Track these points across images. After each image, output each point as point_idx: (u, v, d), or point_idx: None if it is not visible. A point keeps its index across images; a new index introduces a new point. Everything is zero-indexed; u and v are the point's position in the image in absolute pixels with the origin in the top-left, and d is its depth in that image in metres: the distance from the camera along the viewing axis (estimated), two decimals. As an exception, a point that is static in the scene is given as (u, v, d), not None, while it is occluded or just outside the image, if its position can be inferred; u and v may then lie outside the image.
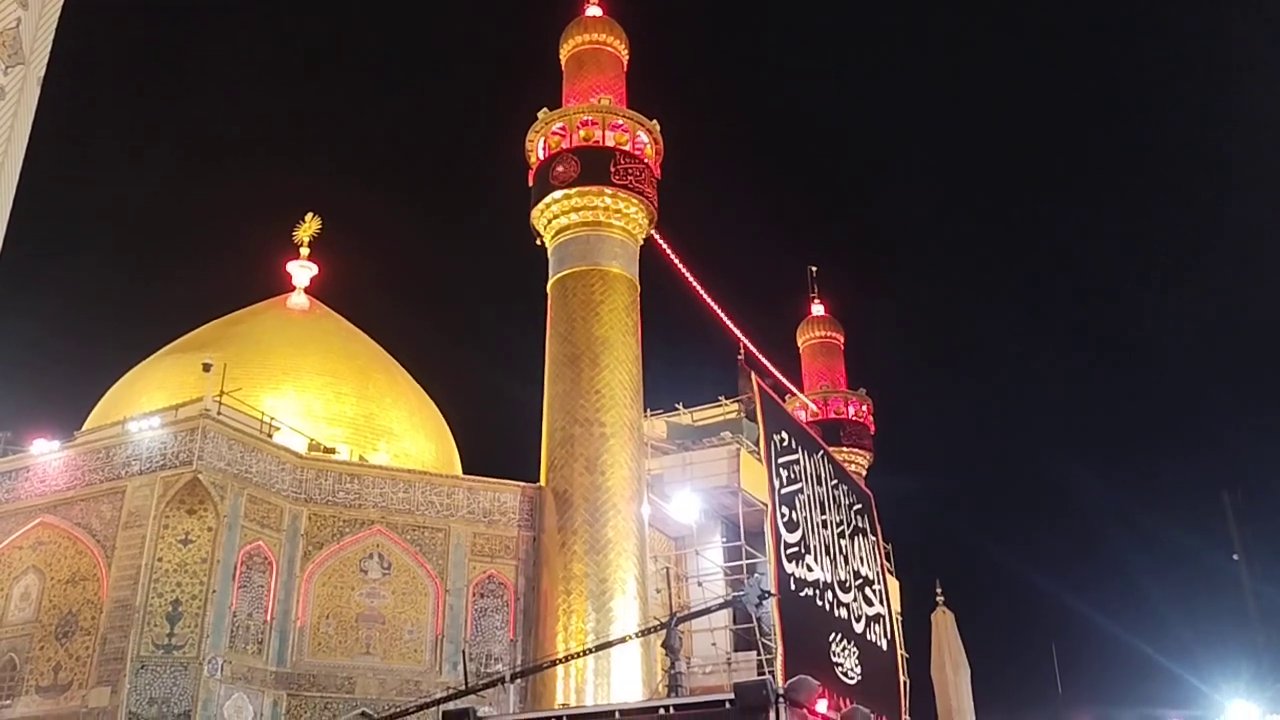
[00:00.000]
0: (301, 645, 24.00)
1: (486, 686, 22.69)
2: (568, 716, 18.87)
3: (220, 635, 22.32)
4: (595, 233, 29.12)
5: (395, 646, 24.92)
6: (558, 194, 29.17)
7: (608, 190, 28.95)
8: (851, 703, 20.27)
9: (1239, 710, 48.75)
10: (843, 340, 54.94)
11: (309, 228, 35.40)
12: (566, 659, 23.91)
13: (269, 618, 23.62)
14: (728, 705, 16.49)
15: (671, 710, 17.55)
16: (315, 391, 30.03)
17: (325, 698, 23.70)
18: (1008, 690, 51.39)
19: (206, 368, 24.25)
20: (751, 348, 40.67)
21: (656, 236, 31.94)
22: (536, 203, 29.72)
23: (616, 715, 17.86)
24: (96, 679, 21.56)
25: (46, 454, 25.34)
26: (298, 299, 34.55)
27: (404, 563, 25.73)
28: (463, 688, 21.97)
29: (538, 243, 30.33)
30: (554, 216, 29.51)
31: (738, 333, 40.78)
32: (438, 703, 21.63)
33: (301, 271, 35.10)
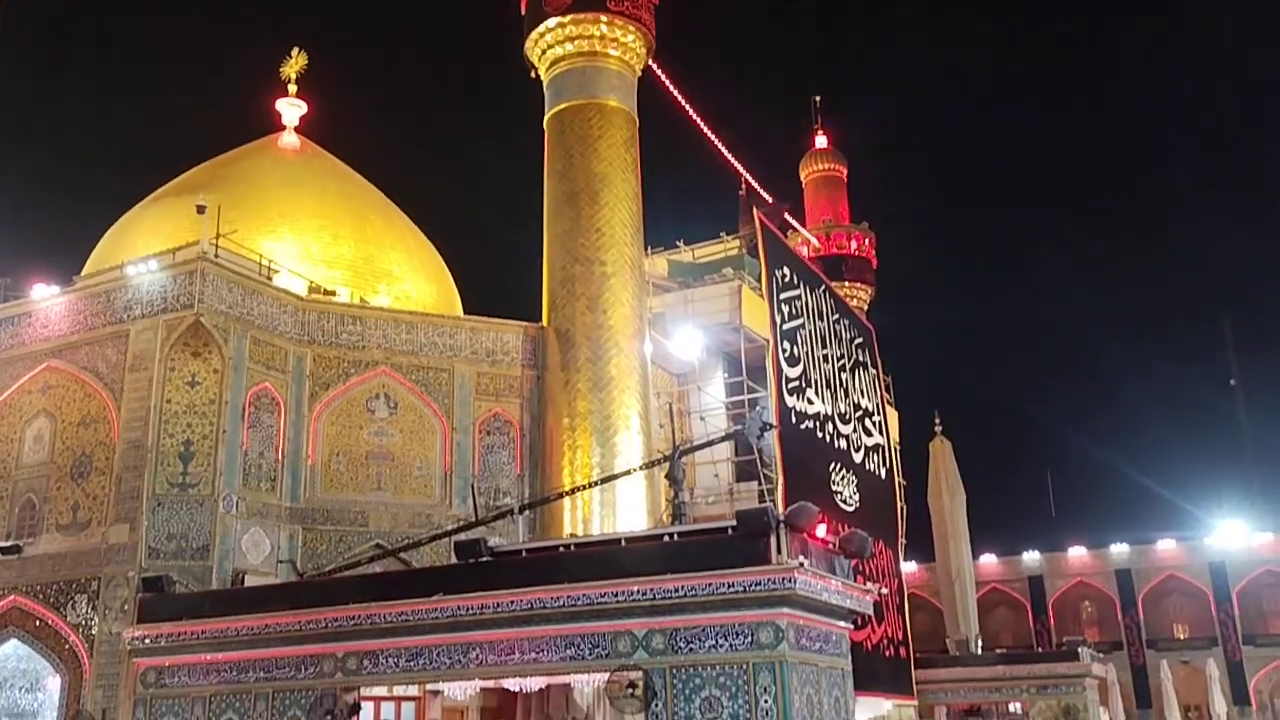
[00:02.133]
0: (314, 482, 24.55)
1: (496, 518, 23.31)
2: (575, 545, 19.44)
3: (233, 473, 22.80)
4: (592, 64, 28.29)
5: (406, 482, 25.49)
6: (551, 22, 28.20)
7: (604, 17, 27.99)
8: (849, 528, 20.83)
9: (1228, 529, 50.29)
10: (845, 173, 54.23)
11: (296, 63, 34.36)
12: (573, 491, 24.50)
13: (280, 456, 24.08)
14: (730, 531, 16.97)
15: (675, 538, 18.08)
16: (312, 234, 29.77)
17: (339, 531, 24.39)
18: (1003, 516, 53.00)
19: (201, 210, 23.98)
20: (753, 182, 40.20)
21: (655, 67, 31.05)
22: (530, 31, 28.77)
23: (622, 543, 18.41)
24: (115, 516, 22.13)
25: (47, 299, 25.32)
26: (288, 138, 33.87)
27: (410, 402, 26.05)
28: (473, 520, 22.61)
29: (532, 75, 29.50)
30: (548, 47, 28.61)
31: (739, 167, 40.23)
32: (449, 534, 22.27)
33: (291, 110, 34.27)
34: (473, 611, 17.52)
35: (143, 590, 20.79)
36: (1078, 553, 52.17)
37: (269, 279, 25.53)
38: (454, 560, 19.80)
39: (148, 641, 20.32)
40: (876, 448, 34.36)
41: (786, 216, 40.81)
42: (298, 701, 18.90)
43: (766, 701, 15.34)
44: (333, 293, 27.92)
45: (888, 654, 30.11)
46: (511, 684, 18.54)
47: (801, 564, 15.75)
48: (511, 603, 17.27)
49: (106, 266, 27.22)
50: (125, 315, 23.62)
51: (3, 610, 22.65)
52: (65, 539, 22.65)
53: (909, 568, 41.41)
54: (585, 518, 25.10)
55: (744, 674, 15.58)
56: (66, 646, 21.72)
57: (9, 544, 22.83)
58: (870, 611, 20.65)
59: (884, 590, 24.29)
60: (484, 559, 18.69)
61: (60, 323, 24.48)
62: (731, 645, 15.77)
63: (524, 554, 19.33)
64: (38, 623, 22.22)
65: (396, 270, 30.95)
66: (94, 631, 21.35)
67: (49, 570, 22.39)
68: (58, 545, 22.64)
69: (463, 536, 20.36)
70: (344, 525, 24.52)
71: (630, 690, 16.05)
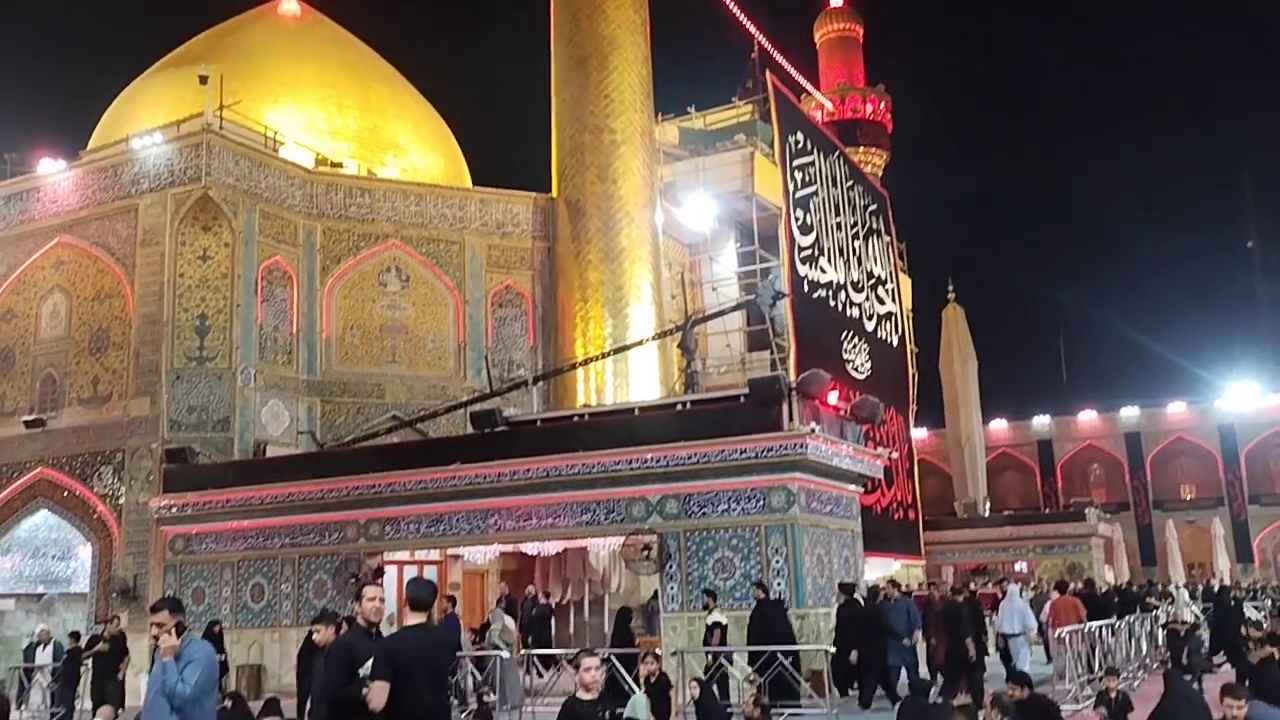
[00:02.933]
0: (329, 355, 24.75)
1: (510, 390, 23.55)
2: (589, 415, 19.69)
3: (249, 347, 22.99)
4: (598, -79, 27.20)
5: (420, 355, 25.67)
6: (553, -128, 27.05)
7: None
8: (861, 395, 20.98)
9: (1238, 391, 50.49)
10: (861, 33, 52.70)
11: (294, -75, 33.17)
12: (586, 362, 24.66)
13: (294, 330, 24.23)
14: (742, 399, 17.14)
15: (688, 406, 18.28)
16: (316, 104, 29.25)
17: (356, 403, 24.70)
18: (1014, 382, 53.22)
19: (203, 80, 23.54)
20: (766, 45, 39.11)
21: (663, -77, 29.83)
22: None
23: (636, 412, 18.64)
24: (135, 390, 22.45)
25: (55, 173, 25.15)
26: (289, 5, 32.94)
27: (421, 275, 26.03)
28: (487, 391, 22.86)
29: (538, -66, 28.44)
30: (553, -96, 27.52)
31: (751, 28, 39.09)
32: (464, 405, 22.55)
33: (289, -27, 33.25)
34: (490, 480, 17.89)
35: (166, 461, 21.25)
36: (1088, 416, 52.56)
37: (275, 151, 25.23)
38: (470, 430, 20.12)
39: (174, 511, 20.89)
40: (889, 315, 34.32)
41: (800, 79, 39.83)
42: (323, 566, 19.50)
43: (778, 562, 15.75)
44: (339, 165, 27.61)
45: (896, 517, 30.70)
46: (530, 548, 19.07)
47: (813, 430, 15.94)
48: (528, 471, 17.61)
49: (112, 140, 26.90)
50: (133, 190, 23.47)
51: (31, 482, 23.20)
52: (87, 412, 23.04)
53: (919, 434, 41.86)
54: (598, 388, 25.31)
55: (756, 536, 15.96)
56: (95, 516, 22.32)
57: (33, 418, 23.23)
58: (880, 476, 20.99)
59: (894, 455, 24.66)
60: (500, 429, 18.99)
61: (69, 198, 24.35)
62: (744, 509, 16.10)
63: (539, 424, 19.61)
64: (65, 493, 22.79)
65: (403, 141, 30.51)
66: (121, 501, 21.90)
67: (73, 443, 22.84)
68: (80, 419, 23.03)
69: (478, 407, 20.63)
70: (361, 397, 24.82)
71: (645, 553, 16.47)
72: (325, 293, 24.93)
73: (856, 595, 14.67)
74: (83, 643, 17.65)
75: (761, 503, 16.00)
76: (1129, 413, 51.66)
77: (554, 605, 21.14)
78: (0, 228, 25.11)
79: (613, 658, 14.05)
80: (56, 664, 17.86)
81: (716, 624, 14.91)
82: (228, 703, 11.79)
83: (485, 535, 18.29)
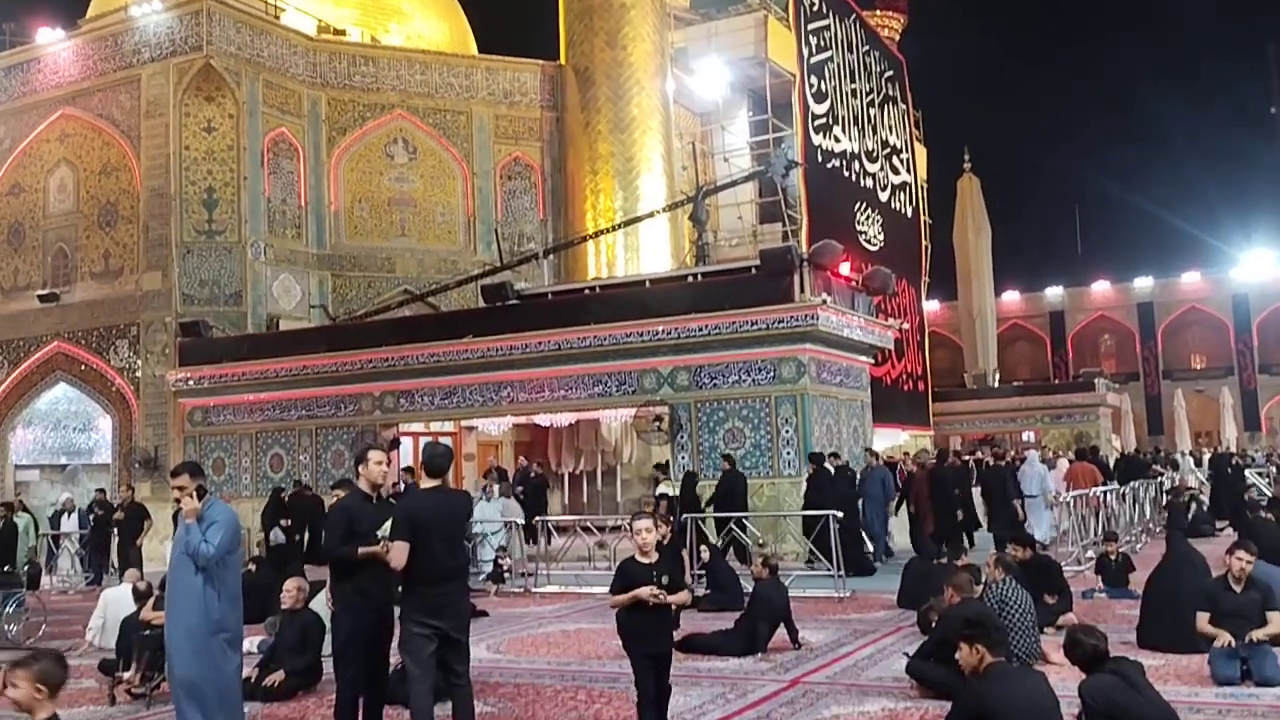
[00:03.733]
0: (338, 228, 24.65)
1: (521, 263, 23.49)
2: (600, 288, 19.68)
3: (258, 220, 22.89)
4: None
5: (429, 228, 25.53)
6: None
7: None
8: (873, 266, 20.87)
9: (1253, 260, 50.07)
10: (880, -112, 50.52)
11: None
12: (596, 235, 24.51)
13: (303, 203, 24.08)
14: (753, 271, 17.08)
15: (699, 278, 18.23)
16: (317, -32, 28.36)
17: (367, 277, 24.71)
18: (1028, 253, 52.79)
19: (199, -57, 22.81)
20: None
21: None
22: None
23: (647, 285, 18.61)
24: (146, 264, 22.46)
25: (54, 43, 24.65)
26: None
27: (429, 146, 25.69)
28: (498, 265, 22.82)
29: None
30: None
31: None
32: (475, 279, 22.53)
33: None
34: (502, 352, 18.01)
35: (181, 335, 21.41)
36: (1101, 287, 52.28)
37: (276, 18, 24.62)
38: (482, 304, 20.16)
39: (190, 384, 21.14)
40: (903, 185, 33.87)
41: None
42: (340, 437, 19.82)
43: (787, 432, 15.93)
44: (342, 32, 26.97)
45: (906, 388, 30.90)
46: (543, 420, 19.31)
47: (824, 301, 15.92)
48: (539, 344, 17.70)
49: (111, 9, 26.24)
50: (135, 59, 23.03)
51: (48, 356, 23.45)
52: (100, 286, 23.11)
53: (931, 306, 41.78)
54: (609, 261, 25.23)
55: (766, 407, 16.11)
56: (113, 389, 22.61)
57: (46, 292, 23.34)
58: (891, 347, 21.05)
59: (905, 326, 24.67)
60: (511, 302, 19.01)
61: (70, 69, 23.93)
62: (754, 380, 16.21)
63: (550, 297, 19.62)
64: (83, 367, 23.04)
65: (406, 7, 29.69)
66: (138, 375, 22.15)
67: (88, 317, 22.98)
68: (93, 293, 23.13)
69: (489, 281, 20.62)
70: (371, 271, 24.80)
71: (657, 424, 16.68)
72: (332, 165, 24.68)
73: (826, 464, 14.98)
74: (110, 500, 18.15)
75: (772, 374, 16.10)
76: (1142, 283, 51.33)
77: (553, 476, 21.53)
78: (2, 100, 24.78)
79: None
80: (82, 531, 18.39)
81: (663, 496, 15.48)
82: (252, 566, 12.18)
83: (498, 407, 18.50)
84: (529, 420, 19.65)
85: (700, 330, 16.40)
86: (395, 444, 18.90)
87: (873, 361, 19.64)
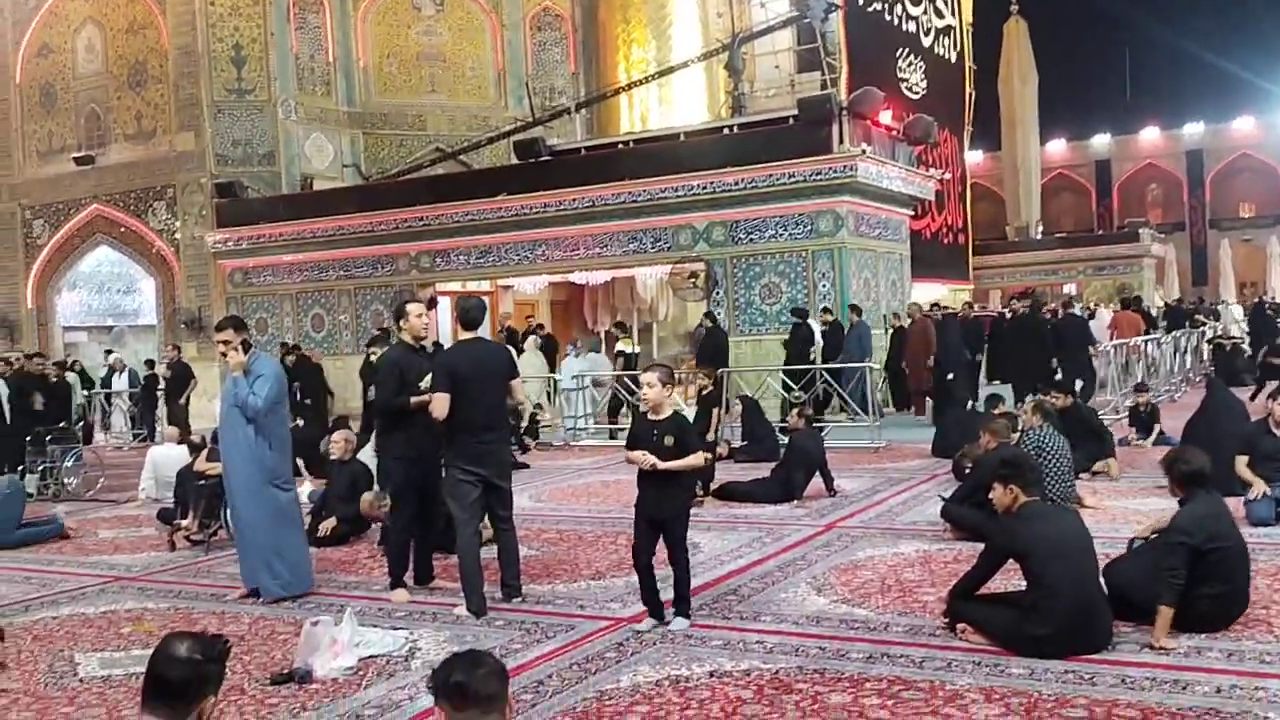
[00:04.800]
0: (368, 85, 24.28)
1: (552, 118, 23.10)
2: (634, 142, 19.36)
3: (287, 78, 22.59)
4: None
5: (460, 84, 25.08)
6: None
7: None
8: (914, 115, 20.31)
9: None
10: None
11: None
12: (629, 87, 23.98)
13: (331, 59, 23.68)
14: (791, 121, 16.70)
15: (735, 130, 17.88)
16: None
17: (399, 135, 24.45)
18: (1074, 100, 50.92)
19: None
20: None
21: None
22: None
23: (681, 138, 18.28)
24: (179, 125, 22.36)
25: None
26: None
27: (456, -3, 25.03)
28: (530, 120, 22.46)
29: None
30: None
31: None
32: (507, 135, 22.24)
33: None
34: (536, 210, 17.91)
35: (216, 196, 21.45)
36: (1149, 134, 50.65)
37: None
38: (514, 161, 19.94)
39: (229, 245, 21.29)
40: (947, 29, 32.60)
41: None
42: (378, 297, 19.98)
43: (824, 286, 15.85)
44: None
45: (946, 242, 30.43)
46: (578, 278, 19.31)
47: (864, 151, 15.60)
48: (574, 201, 17.56)
49: None
50: (152, -89, 22.43)
51: (88, 219, 23.63)
52: (134, 148, 23.08)
53: (974, 156, 40.73)
54: (642, 115, 24.76)
55: (803, 261, 15.99)
56: (154, 250, 22.83)
57: (81, 155, 23.36)
58: (931, 198, 20.69)
59: (946, 177, 24.16)
60: (544, 158, 18.79)
61: (87, -77, 23.36)
62: (791, 234, 16.05)
63: (583, 152, 19.35)
64: (122, 229, 23.23)
65: None
66: (177, 236, 22.32)
67: (124, 179, 23.04)
68: (128, 155, 23.12)
69: (521, 137, 20.35)
70: (402, 129, 24.53)
71: (692, 281, 16.64)
72: (359, 19, 24.15)
73: (810, 320, 14.94)
74: (156, 370, 18.57)
75: (809, 227, 15.91)
76: (1192, 129, 49.64)
77: (590, 334, 21.56)
78: (23, -43, 24.35)
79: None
80: (133, 389, 18.87)
81: (621, 353, 15.91)
82: (299, 421, 12.48)
83: (533, 265, 18.51)
84: (564, 279, 19.66)
85: (736, 184, 16.17)
86: (433, 303, 19.02)
87: (912, 214, 19.33)
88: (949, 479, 9.31)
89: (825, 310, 15.31)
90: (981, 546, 5.26)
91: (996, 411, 9.05)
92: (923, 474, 10.20)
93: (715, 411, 10.05)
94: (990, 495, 5.05)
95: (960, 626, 4.92)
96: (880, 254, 17.31)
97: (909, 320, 15.16)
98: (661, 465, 5.19)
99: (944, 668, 4.53)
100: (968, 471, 8.03)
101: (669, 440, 5.22)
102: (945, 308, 19.02)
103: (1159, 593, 4.64)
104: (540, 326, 18.28)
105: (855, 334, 14.91)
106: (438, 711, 2.52)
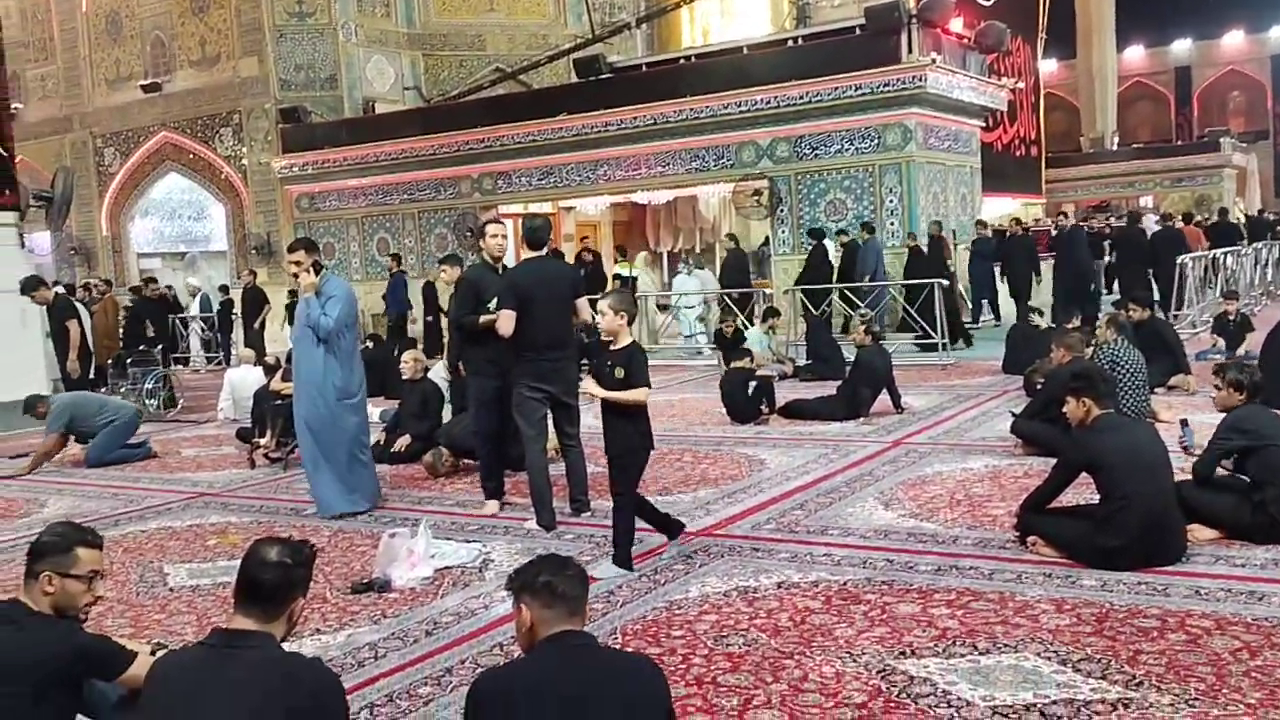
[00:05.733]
0: (427, 6, 24.05)
1: (613, 34, 22.75)
2: (695, 57, 19.02)
3: (347, 0, 22.50)
4: None
5: (518, 1, 24.75)
6: None
7: None
8: (986, 21, 19.62)
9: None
10: None
11: None
12: (690, 0, 23.49)
13: (389, -21, 23.48)
14: (858, 31, 16.26)
15: (800, 41, 17.47)
16: None
17: (459, 55, 24.27)
18: (1154, 4, 48.51)
19: None
20: None
21: None
22: None
23: (744, 51, 17.92)
24: (242, 50, 22.44)
25: None
26: None
27: (513, -89, 24.57)
28: (590, 37, 22.14)
29: None
30: None
31: None
32: (567, 53, 21.96)
33: None
34: (597, 129, 17.75)
35: (281, 121, 21.59)
36: (1233, 39, 48.39)
37: None
38: (574, 79, 19.73)
39: (295, 170, 21.48)
40: (1020, -68, 31.32)
41: None
42: (442, 220, 20.08)
43: (892, 201, 15.57)
44: None
45: (1018, 154, 29.62)
46: (640, 198, 19.18)
47: (933, 61, 15.16)
48: (635, 119, 17.37)
49: None
50: None
51: (157, 146, 23.96)
52: (199, 75, 23.25)
53: (1047, 65, 39.34)
54: (704, 29, 24.31)
55: (869, 177, 15.70)
56: (222, 177, 23.12)
57: (148, 82, 23.60)
58: (1003, 109, 20.10)
59: (1019, 86, 23.40)
60: (605, 76, 18.56)
61: None
62: (857, 149, 15.73)
63: (644, 69, 19.08)
64: (191, 156, 23.52)
65: None
66: (244, 163, 22.55)
67: (190, 106, 23.26)
68: (193, 81, 23.29)
69: (581, 54, 20.09)
70: (462, 50, 24.34)
71: (756, 198, 16.44)
72: (415, -66, 23.86)
73: (826, 241, 14.88)
74: (231, 294, 18.96)
75: (876, 141, 15.58)
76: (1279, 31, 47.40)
77: (653, 255, 21.48)
78: (82, -116, 24.38)
79: (726, 298, 14.48)
80: (208, 314, 19.30)
81: (618, 275, 16.24)
82: (369, 344, 12.69)
83: (595, 186, 18.42)
84: (626, 199, 19.55)
85: (801, 98, 15.84)
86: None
87: (983, 125, 18.82)
88: (1019, 395, 9.19)
89: (841, 232, 15.23)
90: (1052, 462, 5.21)
91: (1069, 326, 8.88)
92: (993, 390, 10.08)
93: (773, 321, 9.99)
94: (1064, 409, 4.98)
95: (1031, 539, 4.90)
96: (950, 168, 16.92)
97: (926, 239, 14.76)
98: (598, 394, 5.00)
99: (1014, 579, 4.53)
100: (1039, 387, 7.92)
101: (619, 372, 5.02)
102: (1024, 224, 18.62)
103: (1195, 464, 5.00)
104: (589, 250, 18.18)
105: (864, 252, 14.66)
106: (522, 609, 2.59)
